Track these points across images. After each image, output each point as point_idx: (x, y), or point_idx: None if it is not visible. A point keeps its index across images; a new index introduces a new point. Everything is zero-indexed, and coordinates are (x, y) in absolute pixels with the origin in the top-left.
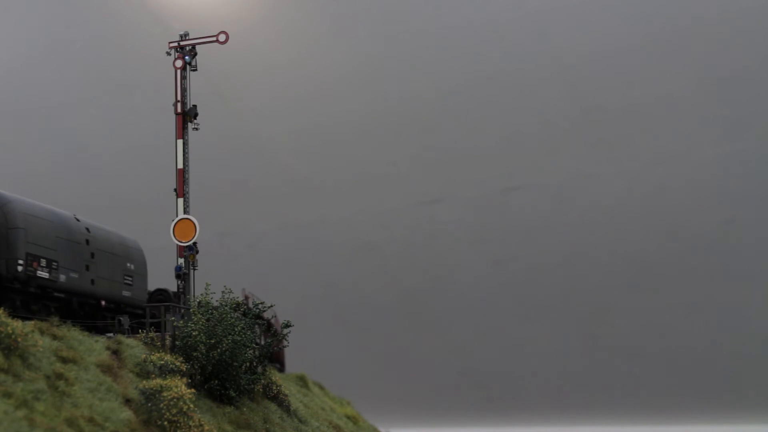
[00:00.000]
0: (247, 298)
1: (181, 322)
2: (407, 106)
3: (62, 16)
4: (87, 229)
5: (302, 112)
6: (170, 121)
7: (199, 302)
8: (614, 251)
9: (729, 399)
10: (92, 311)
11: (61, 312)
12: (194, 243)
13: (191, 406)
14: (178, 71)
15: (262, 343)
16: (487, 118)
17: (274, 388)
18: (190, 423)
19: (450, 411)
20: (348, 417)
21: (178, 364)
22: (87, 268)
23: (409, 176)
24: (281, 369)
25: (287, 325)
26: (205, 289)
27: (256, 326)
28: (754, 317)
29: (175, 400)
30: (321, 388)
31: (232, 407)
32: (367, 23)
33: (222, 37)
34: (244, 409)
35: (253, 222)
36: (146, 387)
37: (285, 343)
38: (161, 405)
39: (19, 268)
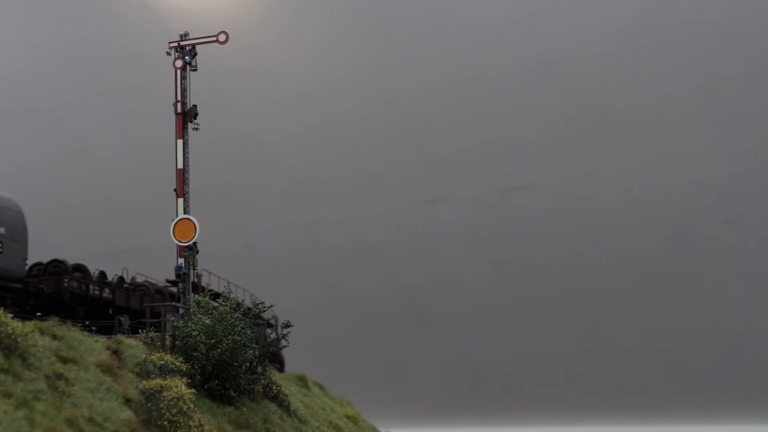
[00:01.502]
0: (199, 276)
1: (181, 322)
2: (407, 106)
3: (62, 17)
4: None
5: (302, 112)
6: (170, 121)
7: (199, 302)
8: (614, 251)
9: (729, 399)
10: None
11: None
12: (194, 243)
13: (191, 406)
14: (178, 71)
15: (264, 342)
16: (487, 118)
17: (274, 388)
18: (190, 423)
19: (450, 411)
20: (348, 417)
21: (178, 364)
22: None
23: (409, 176)
24: (281, 369)
25: (287, 325)
26: (205, 289)
27: (256, 326)
28: (754, 317)
29: (175, 400)
30: (321, 388)
31: (232, 407)
32: (366, 23)
33: (222, 37)
34: (244, 409)
35: (253, 222)
36: (146, 387)
37: (285, 342)
38: (161, 405)
39: None
